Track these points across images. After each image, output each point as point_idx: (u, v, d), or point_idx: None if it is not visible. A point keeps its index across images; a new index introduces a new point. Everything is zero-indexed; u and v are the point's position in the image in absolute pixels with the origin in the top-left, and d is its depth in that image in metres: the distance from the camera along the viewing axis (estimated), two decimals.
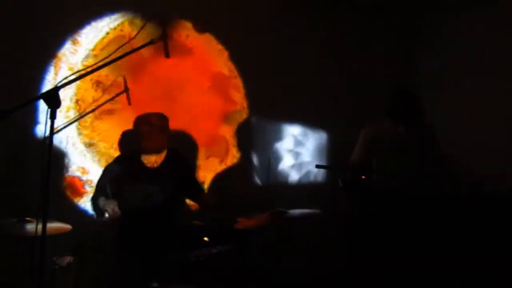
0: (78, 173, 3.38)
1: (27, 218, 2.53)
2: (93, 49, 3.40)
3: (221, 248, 2.72)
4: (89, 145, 3.42)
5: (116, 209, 2.85)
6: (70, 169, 3.36)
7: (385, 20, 4.82)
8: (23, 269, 2.49)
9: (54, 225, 2.55)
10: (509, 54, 4.22)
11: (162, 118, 3.12)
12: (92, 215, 3.30)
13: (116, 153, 3.41)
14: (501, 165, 3.94)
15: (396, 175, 3.34)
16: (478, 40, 4.48)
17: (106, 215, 3.01)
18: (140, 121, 3.10)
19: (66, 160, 3.33)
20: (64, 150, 3.33)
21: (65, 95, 3.27)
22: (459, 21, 4.65)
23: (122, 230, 3.03)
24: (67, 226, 2.66)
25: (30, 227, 2.47)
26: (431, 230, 3.09)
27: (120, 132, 3.45)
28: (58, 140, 3.27)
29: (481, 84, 4.39)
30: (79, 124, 3.40)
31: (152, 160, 3.11)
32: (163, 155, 3.12)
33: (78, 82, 3.06)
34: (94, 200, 3.13)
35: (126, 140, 3.39)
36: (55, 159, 2.04)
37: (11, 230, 2.52)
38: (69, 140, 3.34)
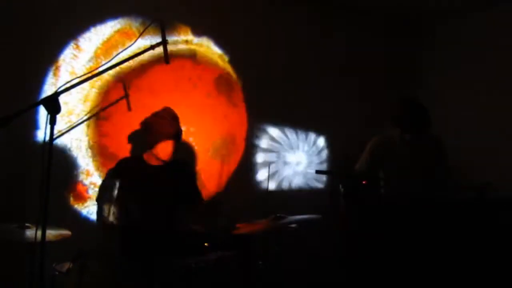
0: (81, 177, 3.37)
1: (27, 224, 2.52)
2: (94, 54, 3.40)
3: (221, 254, 2.72)
4: (91, 146, 3.41)
5: (112, 216, 2.86)
6: (73, 173, 3.35)
7: (390, 28, 4.84)
8: (23, 276, 2.47)
9: (54, 231, 2.54)
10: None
11: (171, 110, 3.14)
12: (93, 221, 3.30)
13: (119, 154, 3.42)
14: (503, 170, 3.94)
15: (402, 188, 3.33)
16: (480, 46, 4.51)
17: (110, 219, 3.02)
18: (151, 117, 3.10)
19: (68, 164, 3.32)
20: (67, 153, 3.31)
21: (67, 97, 3.26)
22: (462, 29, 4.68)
23: (123, 235, 3.02)
24: (67, 232, 2.65)
25: (30, 233, 2.46)
26: (432, 236, 3.08)
27: (123, 131, 3.47)
28: (61, 143, 3.27)
29: (483, 91, 4.41)
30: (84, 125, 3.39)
31: (167, 150, 3.06)
32: (174, 148, 3.08)
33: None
34: (98, 204, 3.15)
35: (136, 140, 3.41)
36: (57, 163, 2.02)
37: (11, 236, 2.51)
38: (72, 143, 3.33)
